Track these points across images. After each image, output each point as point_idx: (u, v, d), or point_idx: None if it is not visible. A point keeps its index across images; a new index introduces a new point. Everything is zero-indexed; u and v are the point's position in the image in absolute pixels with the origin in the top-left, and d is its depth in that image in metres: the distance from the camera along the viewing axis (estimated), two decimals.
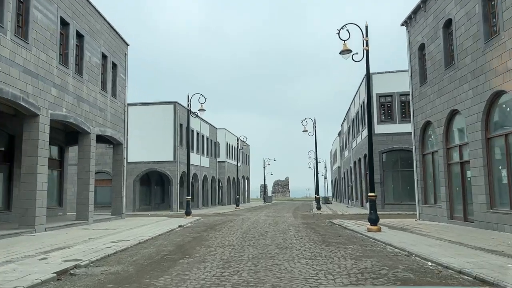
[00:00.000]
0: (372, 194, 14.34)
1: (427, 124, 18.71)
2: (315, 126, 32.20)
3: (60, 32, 16.58)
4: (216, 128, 49.15)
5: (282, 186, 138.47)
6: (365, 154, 32.31)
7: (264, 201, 65.96)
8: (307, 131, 31.99)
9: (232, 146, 57.97)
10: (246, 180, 70.47)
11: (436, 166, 18.10)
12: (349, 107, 42.37)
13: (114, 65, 22.80)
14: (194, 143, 39.13)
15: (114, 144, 23.70)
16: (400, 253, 9.72)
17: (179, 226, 17.87)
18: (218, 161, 52.27)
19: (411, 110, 20.27)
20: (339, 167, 62.85)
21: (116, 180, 23.51)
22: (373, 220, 14.03)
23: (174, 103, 34.42)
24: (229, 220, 22.12)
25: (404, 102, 29.79)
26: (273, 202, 73.02)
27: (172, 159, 34.08)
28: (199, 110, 23.87)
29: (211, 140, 46.37)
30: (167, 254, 9.90)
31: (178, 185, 34.22)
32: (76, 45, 18.16)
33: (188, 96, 24.31)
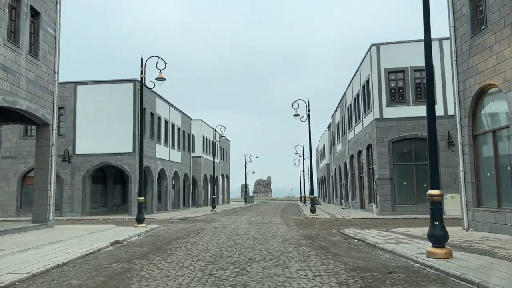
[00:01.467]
0: (437, 192, 8.15)
1: (484, 91, 12.81)
2: (308, 110, 26.17)
3: None
4: (191, 119, 42.68)
5: (264, 185, 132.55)
6: (369, 144, 26.39)
7: (245, 202, 59.76)
8: (298, 115, 25.93)
9: (209, 140, 51.57)
10: (225, 179, 64.10)
11: (502, 150, 12.20)
12: (344, 94, 36.53)
13: (36, 12, 16.22)
14: (161, 133, 32.64)
15: (38, 125, 17.12)
16: None
17: (114, 243, 11.50)
18: (193, 157, 45.81)
19: (453, 73, 14.32)
20: (327, 164, 57.14)
21: (40, 174, 16.94)
22: (438, 238, 7.95)
23: (134, 82, 27.90)
24: (197, 231, 15.82)
25: (420, 79, 24.01)
26: (255, 202, 66.83)
27: (131, 150, 27.53)
28: (157, 79, 17.51)
29: (184, 132, 39.88)
30: None
31: (138, 182, 27.64)
32: None
33: (141, 60, 17.84)
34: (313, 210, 25.19)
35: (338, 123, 41.43)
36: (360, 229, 14.84)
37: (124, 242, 11.97)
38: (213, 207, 33.72)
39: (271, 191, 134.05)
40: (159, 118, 32.39)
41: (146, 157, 29.11)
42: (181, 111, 38.80)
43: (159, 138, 32.28)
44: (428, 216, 8.36)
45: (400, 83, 24.55)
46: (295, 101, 25.93)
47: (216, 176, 55.53)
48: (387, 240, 11.02)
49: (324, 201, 63.44)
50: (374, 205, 24.47)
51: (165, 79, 17.71)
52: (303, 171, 65.30)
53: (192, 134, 46.83)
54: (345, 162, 37.31)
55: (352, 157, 33.86)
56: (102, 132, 27.57)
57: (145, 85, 25.49)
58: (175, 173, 36.74)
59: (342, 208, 35.35)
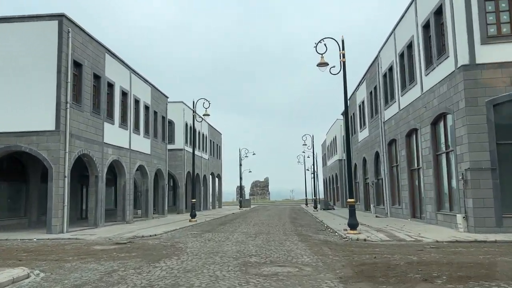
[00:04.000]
0: None
1: None
2: (343, 54, 15.67)
3: None
4: (166, 97, 32.21)
5: (261, 187, 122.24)
6: (440, 115, 16.10)
7: (240, 206, 49.29)
8: (326, 64, 15.58)
9: (195, 129, 41.14)
10: (217, 179, 53.66)
11: None
12: (377, 56, 26.21)
13: None
14: (114, 108, 22.19)
15: None
16: None
17: None
18: (172, 149, 35.42)
19: None
20: (340, 160, 46.85)
21: None
22: None
23: (60, 18, 17.48)
24: None
25: None
26: (251, 206, 56.41)
27: (52, 127, 17.08)
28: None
29: (156, 114, 29.46)
30: None
31: (67, 178, 17.21)
32: None
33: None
34: (353, 225, 14.72)
35: (363, 102, 31.09)
36: None
37: None
38: (192, 216, 23.27)
39: (269, 193, 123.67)
40: (110, 85, 21.95)
41: (85, 140, 18.73)
42: (151, 84, 28.34)
43: (110, 115, 21.86)
44: None
45: (505, 4, 14.26)
46: (319, 41, 15.56)
47: (205, 175, 45.10)
48: None
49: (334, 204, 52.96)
50: (460, 216, 14.12)
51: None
52: (313, 169, 55.12)
53: (171, 121, 36.44)
54: (376, 153, 27.01)
55: (392, 142, 23.57)
56: (6, 98, 17.14)
57: (73, 22, 15.59)
58: (141, 168, 26.29)
59: (376, 216, 24.99)
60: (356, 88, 33.59)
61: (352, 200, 15.37)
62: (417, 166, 19.55)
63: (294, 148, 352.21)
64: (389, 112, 23.74)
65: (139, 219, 25.72)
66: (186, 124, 37.89)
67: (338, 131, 47.04)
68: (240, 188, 52.86)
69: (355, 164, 35.77)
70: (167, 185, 31.89)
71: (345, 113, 16.06)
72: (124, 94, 23.62)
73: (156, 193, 31.08)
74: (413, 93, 19.19)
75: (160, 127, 30.02)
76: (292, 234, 15.16)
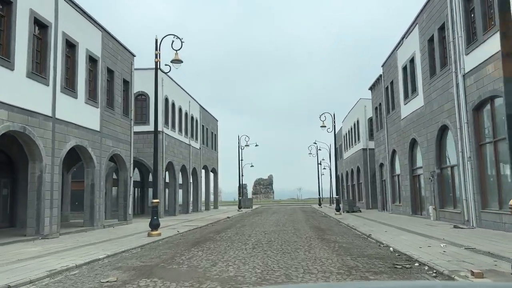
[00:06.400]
0: None
1: None
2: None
3: None
4: (133, 55, 22.87)
5: (264, 185, 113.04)
6: None
7: (240, 207, 39.86)
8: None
9: (181, 109, 31.90)
10: (212, 174, 44.37)
11: None
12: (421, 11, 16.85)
13: None
14: (10, 39, 12.89)
15: None
16: None
17: None
18: (145, 131, 26.29)
19: None
20: (364, 149, 37.45)
21: None
22: None
23: None
24: None
25: None
26: (253, 207, 47.10)
27: None
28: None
29: (113, 74, 20.19)
30: None
31: None
32: None
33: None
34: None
35: (412, 59, 21.72)
36: None
37: None
38: (153, 226, 13.95)
39: (273, 192, 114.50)
40: (7, 2, 12.67)
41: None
42: (102, 28, 19.03)
43: (6, 55, 12.60)
44: None
45: None
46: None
47: (194, 168, 35.85)
48: None
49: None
50: None
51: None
52: (334, 157, 46.23)
53: (145, 93, 27.29)
54: (441, 128, 17.71)
55: (483, 106, 14.24)
56: None
57: None
58: (81, 150, 17.06)
59: (454, 226, 15.59)
60: (398, 44, 24.19)
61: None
62: None
63: (298, 146, 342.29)
64: (474, 57, 14.40)
65: (79, 231, 16.51)
66: (167, 100, 28.64)
67: (361, 112, 37.58)
68: (240, 185, 43.41)
69: (393, 151, 26.43)
70: (130, 178, 22.69)
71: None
72: (40, 25, 14.34)
73: (118, 190, 21.91)
74: None
75: (119, 95, 20.75)
76: None
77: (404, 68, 23.09)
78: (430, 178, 19.05)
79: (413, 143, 22.29)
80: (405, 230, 14.44)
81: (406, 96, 22.99)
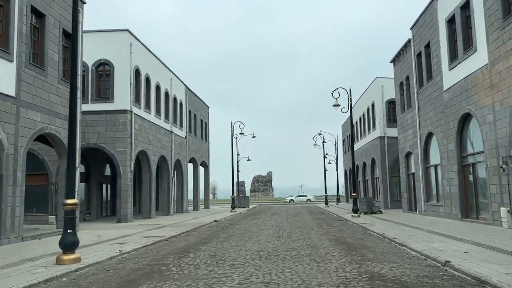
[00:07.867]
0: None
1: None
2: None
3: None
4: (83, 2, 16.71)
5: (263, 183, 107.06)
6: None
7: (233, 207, 33.62)
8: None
9: (158, 85, 25.85)
10: (202, 169, 38.26)
11: None
12: None
13: None
14: None
15: None
16: None
17: None
18: (111, 110, 20.37)
19: None
20: (381, 137, 31.38)
21: None
22: None
23: None
24: None
25: None
26: (250, 207, 41.05)
27: None
28: None
29: (43, 19, 14.13)
30: None
31: None
32: None
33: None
34: None
35: (467, 1, 15.66)
36: None
37: None
38: (67, 248, 7.94)
39: (272, 190, 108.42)
40: None
41: None
42: None
43: None
44: None
45: None
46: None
47: (178, 160, 29.77)
48: None
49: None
50: None
51: None
52: (351, 144, 40.50)
53: (108, 62, 21.29)
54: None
55: None
56: None
57: None
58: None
59: None
60: (421, 14, 18.15)
61: None
62: None
63: (298, 146, 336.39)
64: None
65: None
66: (137, 72, 22.54)
67: (378, 94, 31.50)
68: (234, 181, 37.20)
69: (428, 134, 20.44)
70: (76, 168, 16.66)
71: None
72: None
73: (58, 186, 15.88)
74: None
75: (55, 50, 14.68)
76: None
77: (451, 20, 17.03)
78: (502, 167, 13.01)
79: (464, 120, 16.29)
80: (495, 249, 8.44)
81: (453, 57, 16.93)
